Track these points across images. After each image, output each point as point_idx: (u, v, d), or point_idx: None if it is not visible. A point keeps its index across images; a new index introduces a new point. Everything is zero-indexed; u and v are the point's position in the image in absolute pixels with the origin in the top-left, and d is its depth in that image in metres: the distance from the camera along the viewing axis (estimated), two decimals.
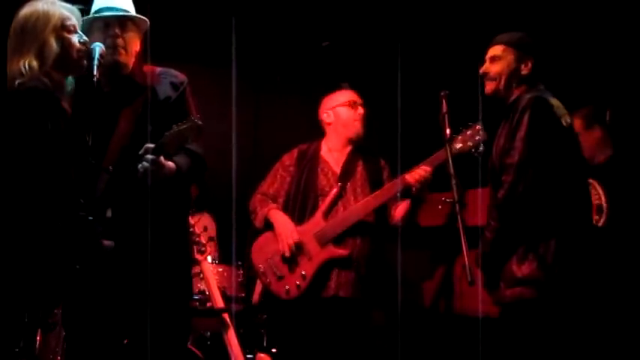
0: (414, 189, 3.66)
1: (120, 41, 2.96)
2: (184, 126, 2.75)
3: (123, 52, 2.97)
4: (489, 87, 3.29)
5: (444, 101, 3.34)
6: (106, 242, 2.82)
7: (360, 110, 3.95)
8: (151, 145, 2.78)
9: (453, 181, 3.20)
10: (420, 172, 3.62)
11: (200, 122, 2.76)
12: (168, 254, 2.95)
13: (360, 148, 3.99)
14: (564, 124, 3.17)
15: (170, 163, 2.88)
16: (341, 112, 3.96)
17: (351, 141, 3.96)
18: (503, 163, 3.12)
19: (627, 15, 4.34)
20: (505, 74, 3.25)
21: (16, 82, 2.62)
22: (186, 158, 2.97)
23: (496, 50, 3.29)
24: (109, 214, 2.86)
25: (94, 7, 3.02)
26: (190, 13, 4.92)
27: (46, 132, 2.62)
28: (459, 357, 4.23)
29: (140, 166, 2.77)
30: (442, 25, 5.00)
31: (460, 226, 3.04)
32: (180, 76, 3.10)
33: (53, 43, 2.71)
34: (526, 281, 3.05)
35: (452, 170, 3.25)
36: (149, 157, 2.75)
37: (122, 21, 2.98)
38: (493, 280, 3.19)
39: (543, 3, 4.58)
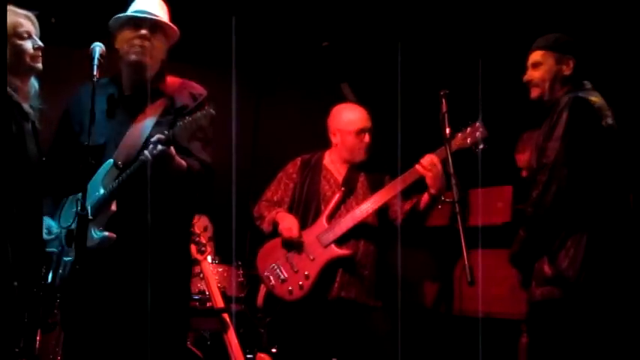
0: (428, 179, 3.61)
1: (147, 43, 3.01)
2: (198, 114, 2.80)
3: (148, 54, 3.02)
4: (534, 93, 3.29)
5: (443, 100, 3.34)
6: (110, 234, 2.84)
7: (366, 139, 3.92)
8: (163, 136, 2.81)
9: (453, 181, 3.20)
10: (427, 160, 3.60)
11: (213, 111, 2.80)
12: (168, 253, 2.96)
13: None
14: (604, 124, 3.14)
15: (182, 161, 2.92)
16: (347, 139, 3.94)
17: (352, 163, 3.97)
18: (540, 163, 3.12)
19: (626, 15, 4.34)
20: (548, 78, 3.25)
21: None
22: (196, 164, 3.01)
23: (536, 56, 3.29)
24: (113, 207, 2.88)
25: (130, 9, 3.08)
26: (190, 13, 4.91)
27: (10, 134, 2.66)
28: (459, 357, 4.23)
29: (145, 152, 2.80)
30: (442, 25, 5.00)
31: (460, 226, 3.04)
32: (200, 89, 3.16)
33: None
34: (556, 281, 3.05)
35: (452, 170, 3.25)
36: (160, 147, 2.79)
37: (152, 25, 3.03)
38: (527, 278, 3.20)
39: (544, 3, 4.58)
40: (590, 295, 3.02)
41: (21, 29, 2.80)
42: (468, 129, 3.57)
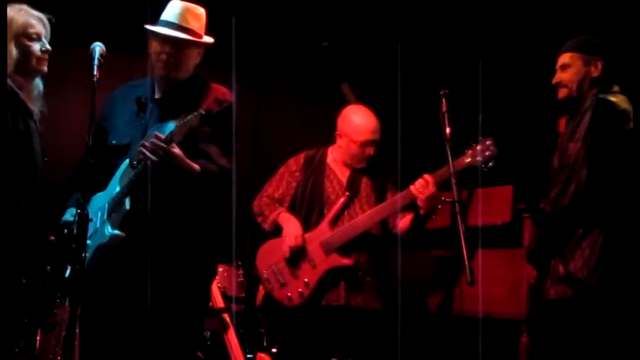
0: (419, 202, 3.59)
1: (171, 59, 3.04)
2: (190, 116, 2.81)
3: (173, 68, 3.06)
4: (562, 93, 3.28)
5: (443, 100, 3.34)
6: (118, 233, 2.87)
7: (370, 151, 3.85)
8: (162, 135, 2.84)
9: (453, 181, 3.20)
10: (421, 182, 3.59)
11: (203, 112, 2.81)
12: (183, 254, 2.98)
13: None
14: (627, 127, 3.13)
15: (193, 164, 2.93)
16: (351, 147, 3.87)
17: (351, 167, 3.94)
18: (562, 163, 3.13)
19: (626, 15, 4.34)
20: (576, 80, 3.24)
21: None
22: (214, 166, 3.02)
23: (564, 58, 3.29)
24: (127, 206, 2.89)
25: (162, 17, 3.10)
26: None
27: (17, 131, 2.67)
28: (459, 357, 4.23)
29: (142, 149, 2.83)
30: (442, 25, 5.00)
31: (460, 226, 3.04)
32: (227, 95, 3.17)
33: (13, 49, 2.78)
34: (569, 281, 3.05)
35: (452, 170, 3.25)
36: (160, 144, 2.80)
37: (179, 42, 3.06)
38: (542, 275, 3.23)
39: (544, 3, 4.58)
40: (603, 296, 3.02)
41: (31, 30, 2.81)
42: (479, 146, 3.52)
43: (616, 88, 3.23)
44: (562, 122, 4.11)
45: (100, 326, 2.95)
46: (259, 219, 3.96)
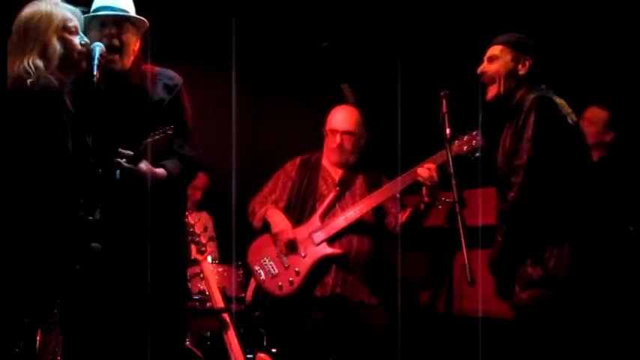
0: (425, 188, 3.62)
1: (115, 41, 2.96)
2: (157, 137, 2.75)
3: (117, 51, 2.97)
4: (490, 93, 3.29)
5: (443, 101, 3.34)
6: (93, 244, 2.79)
7: (338, 140, 3.90)
8: (129, 152, 2.77)
9: (453, 181, 3.20)
10: (425, 170, 3.61)
11: (171, 132, 2.75)
12: (160, 255, 2.94)
13: (361, 162, 4.00)
14: (570, 122, 3.14)
15: (160, 170, 2.89)
16: (326, 138, 4.00)
17: (335, 164, 3.97)
18: (512, 165, 3.11)
19: (627, 15, 4.34)
20: (502, 74, 3.25)
21: (28, 82, 2.62)
22: (178, 162, 2.97)
23: (494, 50, 3.30)
24: (97, 215, 2.85)
25: (93, 7, 3.03)
26: (190, 13, 4.92)
27: (55, 132, 2.64)
28: (459, 357, 4.23)
29: (118, 173, 2.77)
30: (442, 25, 5.00)
31: (460, 226, 3.04)
32: (175, 78, 3.10)
33: (56, 44, 2.71)
34: (542, 282, 3.04)
35: (452, 170, 3.25)
36: (125, 166, 2.75)
37: (118, 21, 2.98)
38: (506, 285, 3.18)
39: (544, 3, 4.58)
40: (580, 293, 3.01)
41: (70, 24, 2.75)
42: (465, 137, 3.59)
43: (543, 87, 3.24)
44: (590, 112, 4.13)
45: (85, 327, 2.93)
46: (250, 218, 4.02)
